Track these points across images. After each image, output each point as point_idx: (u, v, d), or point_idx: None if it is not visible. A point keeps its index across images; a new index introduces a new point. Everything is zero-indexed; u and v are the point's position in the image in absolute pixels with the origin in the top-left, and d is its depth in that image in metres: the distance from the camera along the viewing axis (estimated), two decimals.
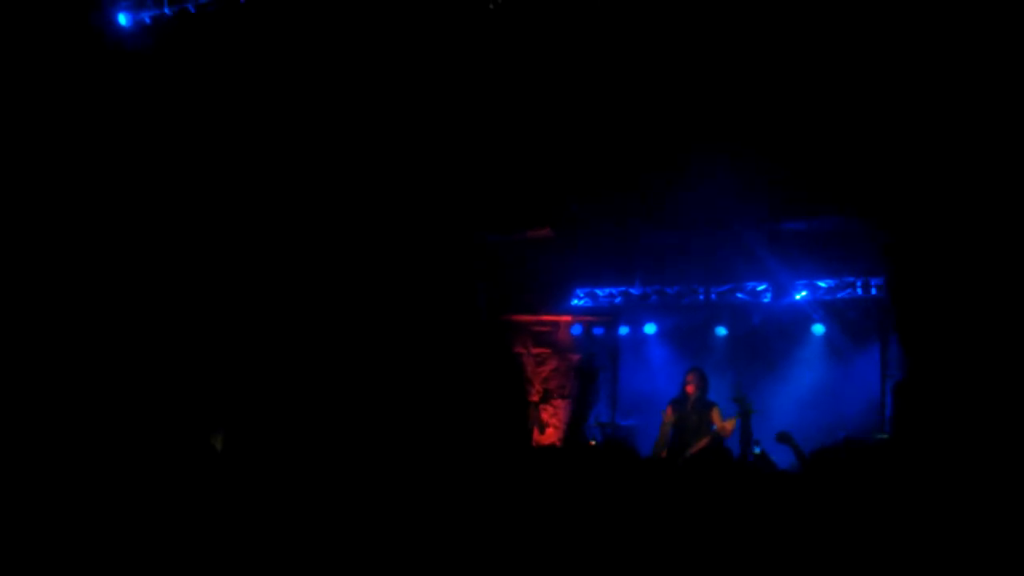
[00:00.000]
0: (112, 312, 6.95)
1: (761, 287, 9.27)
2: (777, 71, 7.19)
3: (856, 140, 7.49)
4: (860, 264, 8.69)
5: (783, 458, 6.31)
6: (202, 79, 7.50)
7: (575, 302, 10.46)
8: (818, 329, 8.91)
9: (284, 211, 8.52)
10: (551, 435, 10.09)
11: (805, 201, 8.17)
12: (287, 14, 7.02)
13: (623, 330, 10.09)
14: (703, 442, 6.98)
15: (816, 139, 7.55)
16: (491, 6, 6.16)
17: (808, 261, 8.82)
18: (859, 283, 8.71)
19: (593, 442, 9.11)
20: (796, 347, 9.10)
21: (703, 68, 7.28)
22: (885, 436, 8.06)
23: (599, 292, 10.35)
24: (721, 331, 9.43)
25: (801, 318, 8.99)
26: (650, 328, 9.86)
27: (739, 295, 9.43)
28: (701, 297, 9.67)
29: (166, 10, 6.86)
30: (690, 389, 7.31)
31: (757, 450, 6.92)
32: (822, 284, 8.92)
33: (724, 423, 7.03)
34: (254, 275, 8.35)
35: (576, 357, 10.37)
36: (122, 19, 7.01)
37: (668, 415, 7.27)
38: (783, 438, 6.30)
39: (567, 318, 10.39)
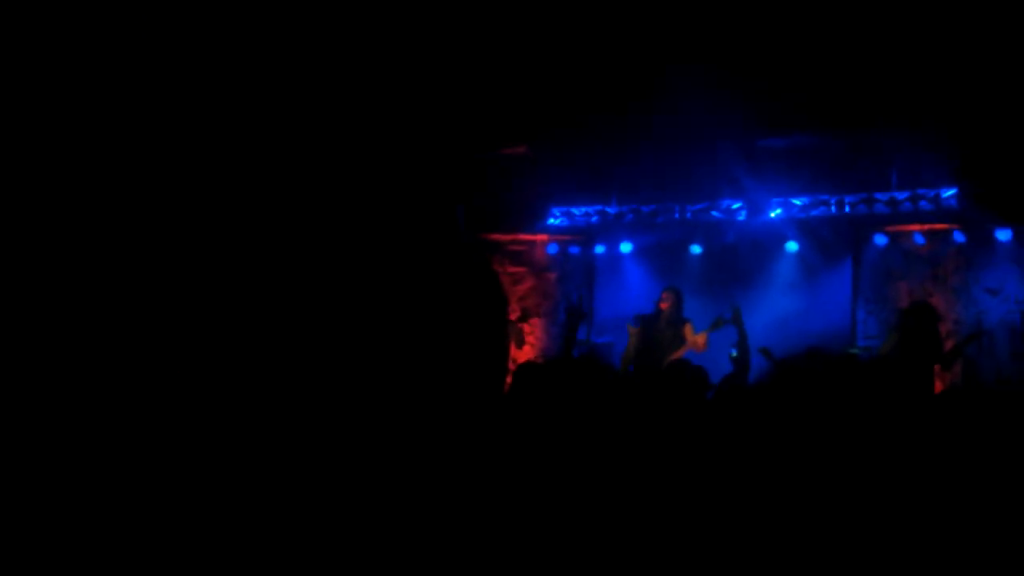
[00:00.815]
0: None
1: (736, 205, 9.31)
2: None
3: (833, 55, 7.44)
4: (834, 182, 8.73)
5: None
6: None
7: (551, 221, 10.47)
8: (792, 247, 9.00)
9: (252, 130, 8.41)
10: (528, 352, 10.22)
11: (781, 118, 8.16)
12: None
13: (599, 249, 10.14)
14: (678, 353, 7.12)
15: (792, 55, 7.49)
16: None
17: (783, 179, 8.84)
18: (833, 201, 8.77)
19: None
20: (771, 265, 9.20)
21: None
22: (857, 350, 8.25)
23: (575, 211, 10.36)
24: (696, 249, 9.50)
25: (776, 236, 9.06)
26: (626, 247, 9.92)
27: (714, 213, 9.47)
28: (676, 215, 9.70)
29: None
30: (664, 306, 7.41)
31: (734, 352, 7.07)
32: (796, 202, 8.97)
33: (696, 337, 7.16)
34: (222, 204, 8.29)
35: (552, 276, 10.44)
36: None
37: (634, 330, 7.36)
38: (764, 353, 6.57)
39: (543, 237, 10.42)
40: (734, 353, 6.87)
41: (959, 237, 8.16)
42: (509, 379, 4.91)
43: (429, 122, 9.30)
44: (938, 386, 7.29)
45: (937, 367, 7.08)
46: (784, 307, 8.91)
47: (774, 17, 7.22)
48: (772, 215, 9.03)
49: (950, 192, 8.18)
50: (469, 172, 10.19)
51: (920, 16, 6.92)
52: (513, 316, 10.45)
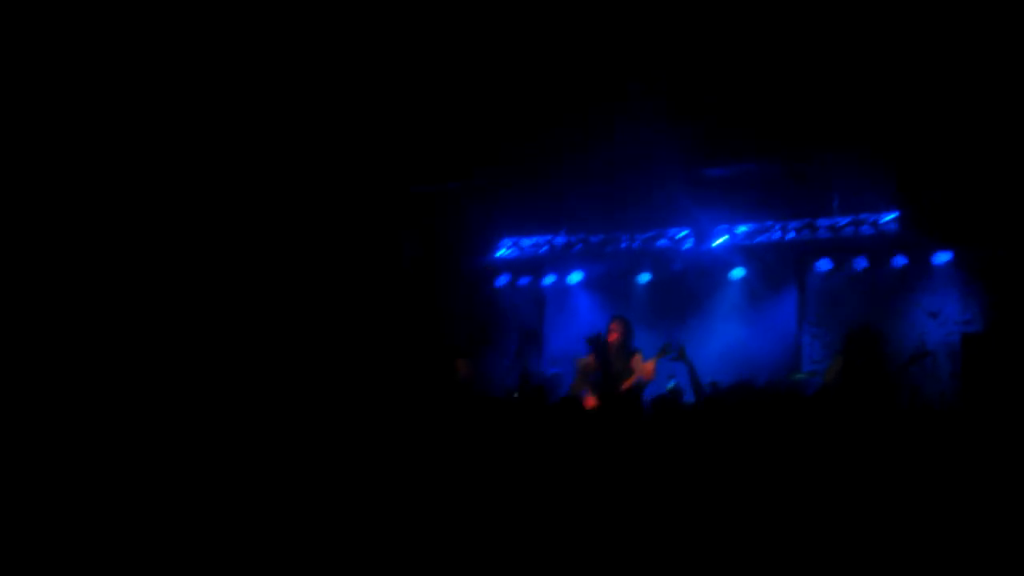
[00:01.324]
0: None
1: (683, 233, 9.39)
2: (697, 18, 7.19)
3: (773, 84, 7.57)
4: (777, 209, 8.85)
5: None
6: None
7: (500, 252, 10.45)
8: (737, 273, 9.08)
9: (209, 166, 8.33)
10: (477, 383, 10.12)
11: (724, 147, 8.26)
12: None
13: (549, 279, 10.13)
14: (628, 382, 7.10)
15: (733, 85, 7.60)
16: None
17: (728, 207, 8.95)
18: (777, 227, 8.88)
19: (516, 395, 9.18)
20: (716, 292, 9.27)
21: (625, 16, 7.24)
22: (802, 376, 8.32)
23: (524, 242, 10.36)
24: (644, 278, 9.54)
25: (722, 263, 9.14)
26: (575, 277, 9.92)
27: (661, 242, 9.54)
28: (625, 245, 9.75)
29: None
30: (612, 337, 7.39)
31: (672, 383, 7.11)
32: (741, 229, 9.08)
33: (645, 366, 7.15)
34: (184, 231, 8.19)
35: (502, 307, 10.39)
36: None
37: (582, 362, 7.34)
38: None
39: (492, 268, 10.38)
40: (671, 385, 6.92)
41: (900, 261, 8.30)
42: (460, 411, 4.84)
43: (376, 155, 9.26)
44: (882, 409, 7.37)
45: (881, 390, 7.15)
46: (731, 333, 8.98)
47: (715, 48, 7.34)
48: (718, 243, 9.11)
49: (890, 217, 8.34)
50: (417, 205, 10.15)
51: (858, 45, 7.08)
52: (463, 347, 10.36)
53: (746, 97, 7.75)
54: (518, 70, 8.01)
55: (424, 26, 7.57)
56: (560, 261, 10.05)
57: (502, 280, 10.26)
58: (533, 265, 10.23)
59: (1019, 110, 7.13)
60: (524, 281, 10.27)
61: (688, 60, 7.51)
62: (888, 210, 8.34)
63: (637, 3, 6.99)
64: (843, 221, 8.53)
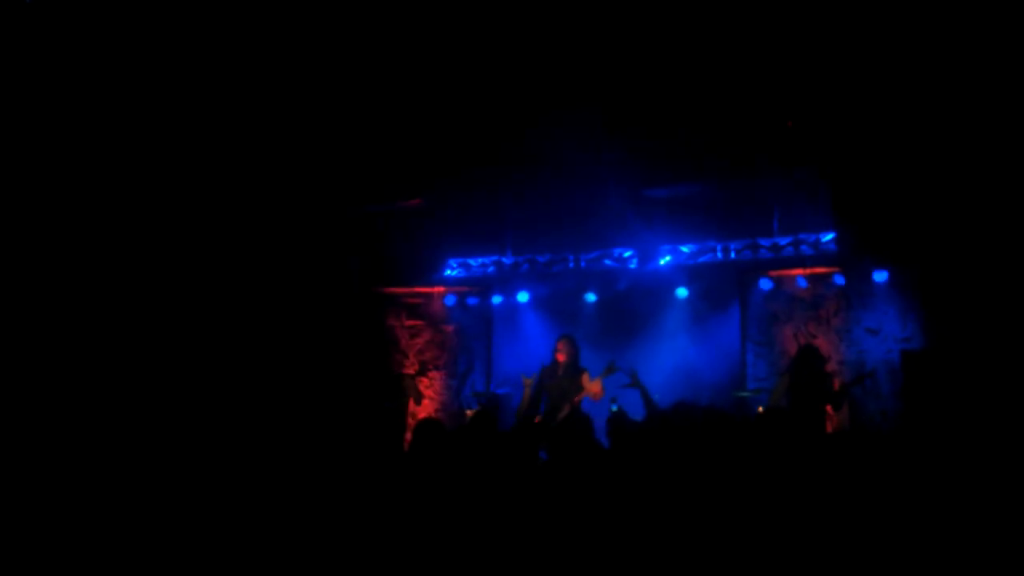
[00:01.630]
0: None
1: (628, 253, 9.48)
2: (640, 41, 7.29)
3: (713, 106, 7.70)
4: (719, 229, 8.99)
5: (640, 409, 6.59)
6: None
7: (448, 272, 10.43)
8: (682, 293, 9.19)
9: (156, 185, 8.18)
10: (427, 406, 10.06)
11: (665, 168, 8.38)
12: None
13: (496, 299, 10.13)
14: (576, 399, 7.12)
15: (672, 106, 7.72)
16: None
17: (671, 227, 9.06)
18: (719, 247, 9.02)
19: (470, 411, 9.15)
20: (662, 310, 9.35)
21: (567, 38, 7.31)
22: (746, 393, 8.43)
23: (472, 262, 10.35)
24: (591, 297, 9.60)
25: (666, 282, 9.24)
26: (523, 296, 9.94)
27: (607, 262, 9.61)
28: (571, 264, 9.80)
29: None
30: (560, 357, 7.41)
31: (614, 407, 7.13)
32: (684, 249, 9.19)
33: (591, 385, 7.17)
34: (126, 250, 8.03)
35: (450, 328, 10.35)
36: None
37: (528, 381, 7.34)
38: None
39: (440, 289, 10.35)
40: (614, 409, 6.95)
41: (839, 280, 8.47)
42: (409, 434, 4.78)
43: (326, 177, 9.19)
44: (828, 427, 7.49)
45: (827, 408, 7.28)
46: (677, 351, 9.07)
47: (654, 70, 7.44)
48: (662, 262, 9.22)
49: (829, 236, 8.52)
50: (363, 226, 10.08)
51: (796, 67, 7.24)
52: (411, 370, 10.29)
53: (685, 119, 7.87)
54: (461, 93, 8.03)
55: (369, 50, 7.56)
56: (507, 281, 10.06)
57: (450, 300, 10.24)
58: (481, 285, 10.23)
59: (952, 130, 7.35)
60: (472, 301, 10.25)
61: (628, 82, 7.61)
62: (827, 230, 8.53)
63: (576, 26, 7.06)
64: (784, 241, 8.70)
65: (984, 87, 6.92)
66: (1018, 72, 6.65)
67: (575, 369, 7.37)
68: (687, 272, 9.16)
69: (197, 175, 8.40)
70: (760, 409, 7.45)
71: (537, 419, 7.19)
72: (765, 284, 8.76)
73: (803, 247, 8.60)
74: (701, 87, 7.57)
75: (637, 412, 6.49)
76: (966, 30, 6.54)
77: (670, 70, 7.48)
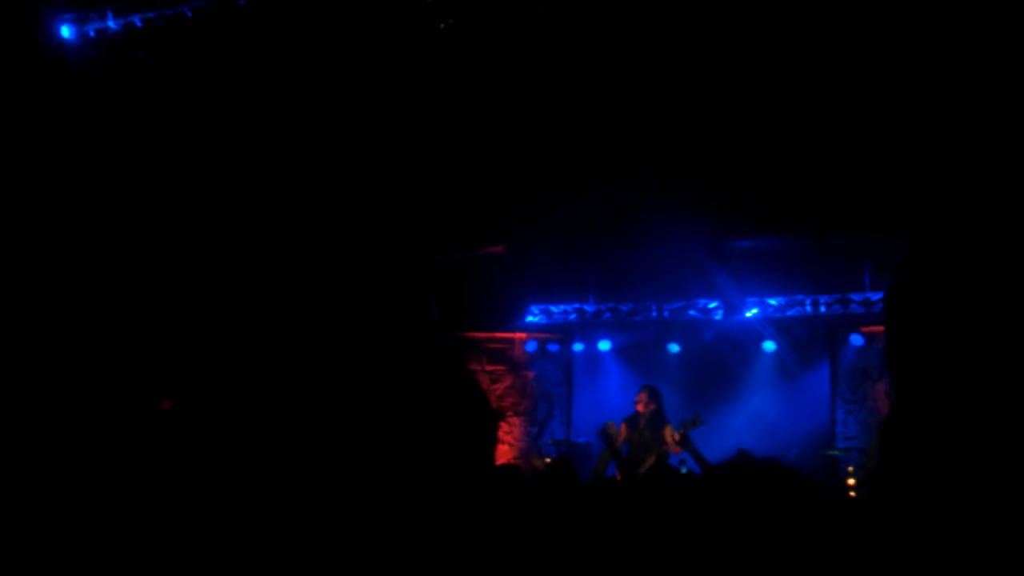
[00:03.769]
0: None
1: (713, 304, 9.35)
2: (724, 96, 7.27)
3: (798, 160, 7.60)
4: (808, 282, 8.81)
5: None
6: (149, 94, 7.40)
7: (530, 319, 10.46)
8: (769, 346, 9.00)
9: (250, 232, 8.48)
10: (506, 452, 10.04)
11: (750, 220, 8.28)
12: (242, 30, 6.94)
13: (577, 347, 10.11)
14: (651, 460, 6.98)
15: (759, 160, 7.65)
16: (441, 26, 6.14)
17: (757, 279, 8.92)
18: (808, 301, 8.83)
19: (548, 460, 9.09)
20: (748, 363, 9.18)
21: (652, 92, 7.34)
22: (835, 452, 8.16)
23: (553, 309, 10.37)
24: (674, 348, 9.48)
25: (752, 335, 9.07)
26: (604, 345, 9.89)
27: (691, 312, 9.50)
28: (654, 314, 9.72)
29: (111, 23, 6.73)
30: (640, 407, 7.31)
31: (684, 470, 6.97)
32: (772, 302, 9.03)
33: (675, 437, 7.03)
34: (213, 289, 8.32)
35: (531, 374, 10.35)
36: (65, 32, 6.87)
37: (622, 432, 7.24)
38: (684, 441, 6.37)
39: (522, 335, 10.38)
40: (684, 471, 6.77)
41: None
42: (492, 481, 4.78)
43: (411, 224, 9.37)
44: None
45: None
46: (763, 406, 8.87)
47: (739, 122, 7.40)
48: (748, 314, 9.06)
49: None
50: (448, 272, 10.22)
51: (882, 121, 7.11)
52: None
53: (770, 172, 7.78)
54: (546, 143, 8.12)
55: (455, 99, 7.71)
56: (589, 328, 10.04)
57: (531, 346, 10.25)
58: (562, 331, 10.22)
59: None
60: (553, 348, 10.24)
61: (714, 135, 7.57)
62: None
63: (662, 79, 7.08)
64: (875, 296, 8.47)
65: None
66: None
67: (658, 421, 7.25)
68: (774, 325, 8.98)
69: (284, 227, 8.66)
70: (850, 469, 7.20)
71: (618, 475, 7.10)
72: (856, 340, 8.52)
73: None
74: (784, 141, 7.48)
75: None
76: None
77: (755, 124, 7.42)
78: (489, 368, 10.49)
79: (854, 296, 8.57)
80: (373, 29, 6.62)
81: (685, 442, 6.38)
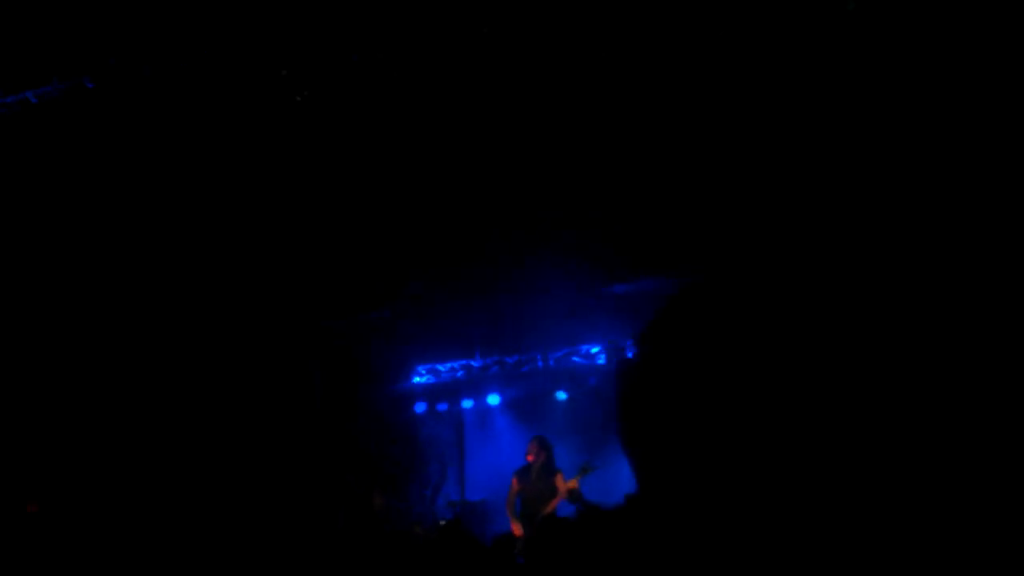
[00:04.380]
0: None
1: (595, 349, 9.52)
2: (591, 147, 7.51)
3: (672, 205, 7.89)
4: None
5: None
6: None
7: (417, 379, 10.37)
8: None
9: (129, 304, 8.21)
10: (399, 518, 9.83)
11: (629, 264, 8.51)
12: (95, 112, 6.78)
13: (467, 404, 10.06)
14: (549, 507, 6.99)
15: (636, 207, 7.89)
16: (297, 99, 6.16)
17: (636, 321, 9.14)
18: None
19: (443, 521, 8.95)
20: None
21: (524, 146, 7.51)
22: None
23: (440, 368, 10.32)
24: (561, 395, 9.57)
25: None
26: (494, 399, 9.89)
27: (575, 359, 9.63)
28: (540, 364, 9.81)
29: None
30: (530, 458, 7.33)
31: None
32: None
33: (567, 485, 7.07)
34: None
35: (421, 436, 10.23)
36: None
37: (514, 485, 7.24)
38: (573, 496, 6.55)
39: (409, 396, 10.27)
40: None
41: None
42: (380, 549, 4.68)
43: (293, 292, 9.21)
44: None
45: None
46: None
47: (614, 175, 7.64)
48: (630, 356, 9.25)
49: None
50: (330, 338, 10.06)
51: (750, 161, 7.47)
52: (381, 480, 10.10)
53: (640, 217, 8.04)
54: (428, 207, 8.16)
55: (331, 167, 7.70)
56: (477, 384, 10.03)
57: (420, 407, 10.14)
58: (450, 390, 10.17)
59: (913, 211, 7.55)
60: (442, 407, 10.17)
61: (585, 188, 7.78)
62: None
63: (533, 140, 7.25)
64: None
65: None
66: None
67: (550, 470, 7.28)
68: None
69: (159, 297, 8.41)
70: None
71: (515, 527, 7.07)
72: None
73: None
74: (650, 189, 7.76)
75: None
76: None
77: (628, 173, 7.67)
78: (378, 432, 10.31)
79: None
80: (233, 104, 6.57)
81: (575, 496, 6.49)
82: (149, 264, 8.20)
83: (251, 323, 9.21)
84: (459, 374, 10.20)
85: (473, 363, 10.13)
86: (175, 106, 6.60)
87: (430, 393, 10.25)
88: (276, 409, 9.42)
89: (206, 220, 8.14)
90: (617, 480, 7.06)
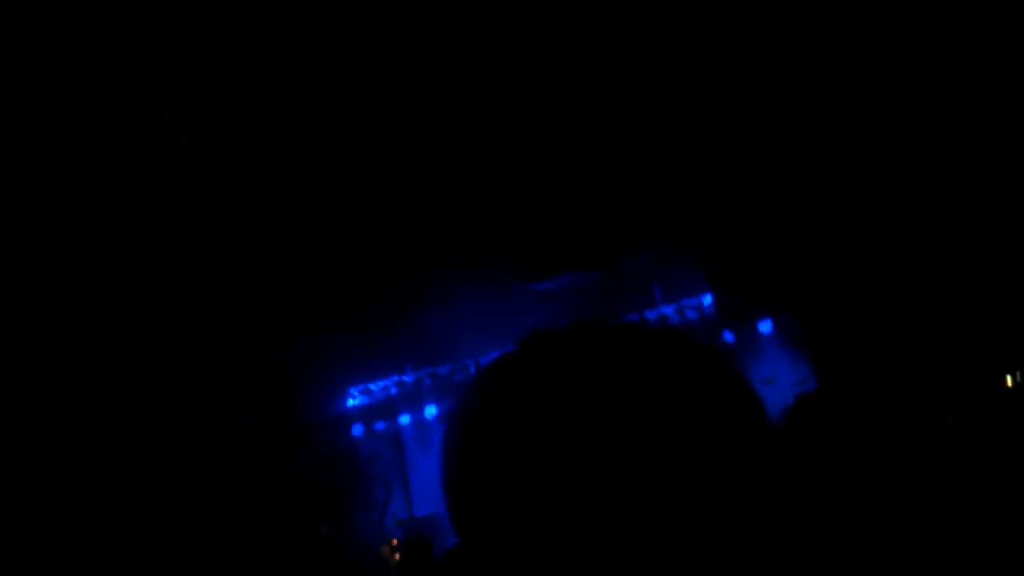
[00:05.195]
0: None
1: None
2: (497, 144, 7.53)
3: (587, 199, 7.97)
4: (608, 310, 9.19)
5: None
6: None
7: (352, 402, 10.25)
8: None
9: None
10: (352, 546, 9.70)
11: (544, 263, 8.58)
12: None
13: (404, 419, 9.99)
14: None
15: (554, 204, 7.94)
16: (183, 139, 6.04)
17: (562, 316, 9.19)
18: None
19: (395, 541, 8.85)
20: None
21: (424, 152, 7.49)
22: None
23: (373, 387, 10.22)
24: None
25: None
26: (431, 411, 9.84)
27: None
28: (472, 370, 9.79)
29: None
30: None
31: None
32: None
33: None
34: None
35: (361, 459, 10.11)
36: None
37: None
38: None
39: (344, 420, 10.15)
40: None
41: (729, 336, 8.72)
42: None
43: (217, 321, 9.01)
44: None
45: None
46: None
47: (523, 177, 7.67)
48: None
49: (710, 298, 8.83)
50: (258, 369, 9.88)
51: (646, 150, 7.58)
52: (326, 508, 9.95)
53: (561, 215, 8.11)
54: (342, 231, 8.08)
55: (245, 192, 7.56)
56: (412, 398, 9.96)
57: (357, 429, 10.03)
58: (386, 407, 10.08)
59: (810, 189, 7.79)
60: (380, 426, 10.08)
61: (496, 188, 7.81)
62: (705, 292, 8.84)
63: (425, 153, 7.22)
64: (668, 310, 8.96)
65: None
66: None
67: None
68: None
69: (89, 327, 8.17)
70: None
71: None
72: None
73: (688, 312, 8.87)
74: (571, 185, 7.82)
75: None
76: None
77: (535, 175, 7.71)
78: (317, 462, 10.15)
79: (649, 313, 9.03)
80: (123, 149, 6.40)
81: None
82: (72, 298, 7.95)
83: (173, 362, 8.99)
84: (393, 391, 10.13)
85: (405, 378, 10.06)
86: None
87: (366, 413, 10.14)
88: (209, 453, 9.21)
89: (133, 253, 7.92)
90: None
